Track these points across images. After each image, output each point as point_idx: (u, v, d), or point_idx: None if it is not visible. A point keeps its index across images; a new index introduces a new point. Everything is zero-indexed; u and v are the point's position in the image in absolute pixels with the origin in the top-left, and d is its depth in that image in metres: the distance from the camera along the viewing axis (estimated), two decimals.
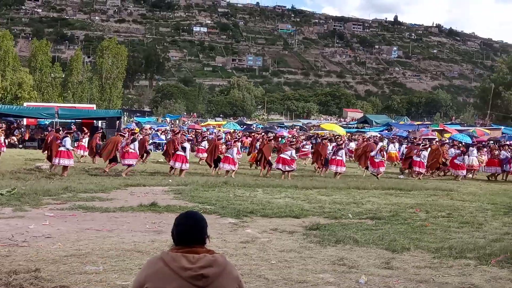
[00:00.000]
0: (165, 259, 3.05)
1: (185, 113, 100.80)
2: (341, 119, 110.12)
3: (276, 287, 6.25)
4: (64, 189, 13.98)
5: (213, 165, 21.38)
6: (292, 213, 11.56)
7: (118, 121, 35.22)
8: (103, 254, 7.48)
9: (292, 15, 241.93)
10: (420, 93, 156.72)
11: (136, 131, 26.79)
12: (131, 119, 72.53)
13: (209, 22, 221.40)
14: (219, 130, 45.54)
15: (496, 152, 24.11)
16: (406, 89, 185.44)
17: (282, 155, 20.61)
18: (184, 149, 19.81)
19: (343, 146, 23.64)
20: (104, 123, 35.51)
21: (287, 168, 20.45)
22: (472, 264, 7.53)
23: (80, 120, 35.21)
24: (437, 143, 26.80)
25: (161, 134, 38.33)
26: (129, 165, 19.25)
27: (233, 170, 20.34)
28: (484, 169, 24.78)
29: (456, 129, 45.63)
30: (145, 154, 25.06)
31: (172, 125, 61.85)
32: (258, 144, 27.34)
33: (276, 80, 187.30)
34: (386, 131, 49.74)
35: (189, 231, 3.14)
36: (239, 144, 23.95)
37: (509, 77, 78.82)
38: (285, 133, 43.30)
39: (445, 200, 15.16)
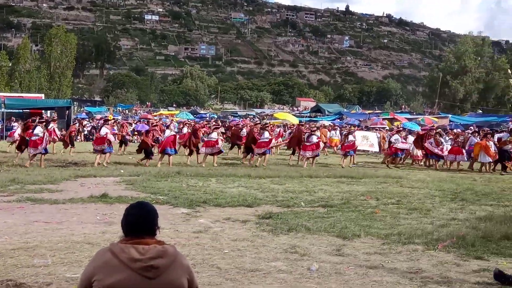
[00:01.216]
0: (114, 250, 3.02)
1: (137, 103, 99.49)
2: (294, 108, 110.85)
3: (228, 276, 6.26)
4: (11, 181, 13.62)
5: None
6: (245, 202, 11.59)
7: (67, 111, 34.50)
8: (52, 246, 7.32)
9: (245, 4, 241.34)
10: (371, 82, 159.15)
11: (109, 118, 26.55)
12: (81, 109, 71.17)
13: (160, 10, 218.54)
14: (171, 120, 45.12)
15: (461, 139, 23.31)
16: (358, 78, 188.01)
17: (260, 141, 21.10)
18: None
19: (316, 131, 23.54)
20: (54, 113, 34.76)
21: (264, 151, 20.93)
22: (420, 250, 7.72)
23: (28, 111, 34.32)
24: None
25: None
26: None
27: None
28: (448, 157, 23.46)
29: (405, 118, 46.64)
30: (123, 145, 25.11)
31: (124, 115, 60.95)
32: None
33: (229, 69, 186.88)
34: (338, 120, 50.37)
35: (139, 221, 3.11)
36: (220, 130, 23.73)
37: (456, 66, 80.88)
38: (239, 121, 43.26)
39: (395, 187, 15.48)
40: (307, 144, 21.64)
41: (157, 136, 21.09)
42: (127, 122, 30.12)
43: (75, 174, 15.89)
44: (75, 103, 59.84)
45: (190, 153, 21.77)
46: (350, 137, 22.72)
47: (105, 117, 27.92)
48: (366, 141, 28.95)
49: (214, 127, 22.93)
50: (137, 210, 3.16)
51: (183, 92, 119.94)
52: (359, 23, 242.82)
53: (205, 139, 21.78)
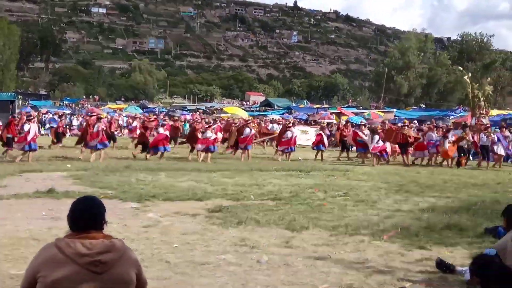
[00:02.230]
0: (60, 245, 2.99)
1: (84, 97, 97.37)
2: (244, 102, 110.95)
3: (178, 270, 6.26)
4: None
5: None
6: (195, 196, 11.58)
7: (11, 105, 33.56)
8: None
9: None
10: (319, 77, 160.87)
11: (102, 116, 26.12)
12: (26, 103, 69.00)
13: (108, 3, 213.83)
14: (120, 114, 44.53)
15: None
16: (306, 73, 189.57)
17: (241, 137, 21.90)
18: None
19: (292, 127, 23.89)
20: None
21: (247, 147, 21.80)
22: (366, 240, 7.92)
23: None
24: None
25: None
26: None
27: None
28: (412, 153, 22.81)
29: (352, 112, 47.50)
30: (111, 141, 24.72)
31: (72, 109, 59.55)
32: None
33: (178, 64, 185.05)
34: (287, 114, 50.77)
35: (86, 216, 3.09)
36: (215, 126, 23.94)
37: (400, 62, 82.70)
38: (188, 116, 43.04)
39: (342, 180, 15.76)
40: (283, 139, 22.46)
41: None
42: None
43: (20, 170, 15.51)
44: (19, 96, 57.90)
45: (138, 147, 21.64)
46: (288, 133, 22.60)
47: (97, 114, 27.21)
48: (305, 135, 29.30)
49: (208, 124, 22.73)
50: (84, 205, 3.15)
51: (132, 86, 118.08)
52: (307, 19, 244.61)
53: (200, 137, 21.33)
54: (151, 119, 25.54)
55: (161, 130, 21.18)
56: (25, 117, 20.15)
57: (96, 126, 19.46)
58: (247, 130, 22.00)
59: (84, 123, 21.86)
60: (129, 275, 3.07)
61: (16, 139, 18.87)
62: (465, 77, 24.52)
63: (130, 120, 33.48)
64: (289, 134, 22.37)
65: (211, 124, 23.63)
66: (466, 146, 21.22)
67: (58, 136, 24.90)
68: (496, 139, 21.19)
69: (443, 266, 6.36)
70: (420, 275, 6.30)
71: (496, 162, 21.37)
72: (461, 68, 45.61)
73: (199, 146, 20.67)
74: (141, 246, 7.22)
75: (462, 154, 21.19)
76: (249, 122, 24.63)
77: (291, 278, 6.08)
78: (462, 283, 5.95)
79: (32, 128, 18.50)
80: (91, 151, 19.35)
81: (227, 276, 6.10)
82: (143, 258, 6.54)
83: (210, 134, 20.84)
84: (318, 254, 7.13)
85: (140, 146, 21.52)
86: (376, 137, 20.80)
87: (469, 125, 23.39)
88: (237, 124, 25.15)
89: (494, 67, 76.57)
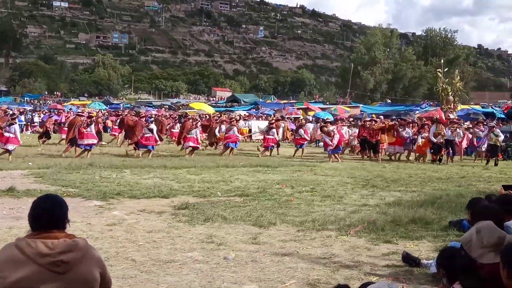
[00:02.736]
0: (20, 245, 2.91)
1: (46, 93, 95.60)
2: (210, 98, 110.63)
3: (144, 268, 6.16)
4: None
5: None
6: (161, 193, 11.44)
7: None
8: None
9: None
10: (286, 72, 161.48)
11: (93, 115, 25.99)
12: None
13: None
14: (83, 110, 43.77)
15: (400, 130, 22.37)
16: (273, 68, 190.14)
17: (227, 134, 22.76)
18: (151, 130, 20.68)
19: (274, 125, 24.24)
20: None
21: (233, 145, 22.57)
22: (333, 235, 7.93)
23: None
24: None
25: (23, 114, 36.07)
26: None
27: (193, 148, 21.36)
28: (387, 147, 22.62)
29: (319, 107, 47.78)
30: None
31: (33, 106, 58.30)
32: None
33: (143, 59, 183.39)
34: (254, 110, 50.80)
35: (47, 215, 3.02)
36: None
37: (366, 57, 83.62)
38: (153, 112, 42.61)
39: (309, 175, 15.82)
40: (268, 137, 23.13)
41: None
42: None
43: None
44: None
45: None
46: (234, 129, 22.84)
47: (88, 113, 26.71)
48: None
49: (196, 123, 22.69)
50: (45, 203, 3.07)
51: (95, 81, 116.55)
52: (273, 14, 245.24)
53: (187, 135, 21.63)
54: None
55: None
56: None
57: (92, 126, 20.19)
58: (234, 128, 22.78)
59: (70, 121, 21.79)
60: (93, 274, 3.02)
61: None
62: (438, 70, 24.53)
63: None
64: (274, 131, 23.07)
65: (232, 120, 24.73)
66: (441, 141, 20.83)
67: (47, 132, 25.05)
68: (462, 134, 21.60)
69: (409, 260, 6.41)
70: (387, 269, 6.33)
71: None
72: (432, 61, 46.08)
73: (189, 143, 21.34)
74: (106, 245, 7.09)
75: (436, 151, 21.01)
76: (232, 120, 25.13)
77: (258, 275, 6.04)
78: (428, 276, 6.00)
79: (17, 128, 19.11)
80: (76, 149, 19.89)
81: (193, 273, 6.02)
82: (108, 256, 6.42)
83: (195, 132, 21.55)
84: (286, 250, 7.10)
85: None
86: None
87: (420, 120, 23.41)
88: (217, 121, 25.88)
89: (458, 62, 77.94)
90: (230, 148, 22.36)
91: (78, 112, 25.03)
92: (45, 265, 2.87)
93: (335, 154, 20.87)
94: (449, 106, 23.88)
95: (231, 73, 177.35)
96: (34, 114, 40.49)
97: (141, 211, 9.57)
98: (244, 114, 37.84)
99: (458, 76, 28.59)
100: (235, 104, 63.64)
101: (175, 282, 5.74)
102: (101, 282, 3.07)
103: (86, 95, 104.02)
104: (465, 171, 17.98)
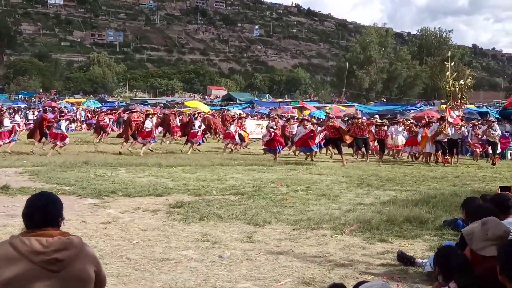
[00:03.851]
0: (14, 243, 2.89)
1: (40, 90, 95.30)
2: (206, 96, 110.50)
3: (138, 266, 6.15)
4: None
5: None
6: (156, 192, 11.41)
7: None
8: None
9: None
10: (281, 71, 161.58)
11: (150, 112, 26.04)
12: None
13: None
14: (78, 108, 43.70)
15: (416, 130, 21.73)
16: (268, 67, 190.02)
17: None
18: (199, 126, 22.50)
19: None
20: None
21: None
22: (328, 234, 7.93)
23: None
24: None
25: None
26: None
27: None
28: (405, 148, 22.19)
29: (314, 106, 47.82)
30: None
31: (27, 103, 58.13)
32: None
33: (138, 57, 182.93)
34: (249, 109, 50.79)
35: (41, 213, 3.00)
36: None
37: (362, 56, 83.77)
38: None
39: (304, 174, 15.82)
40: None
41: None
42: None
43: None
44: None
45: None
46: (196, 124, 22.94)
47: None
48: (260, 129, 29.24)
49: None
50: (39, 201, 3.06)
51: (90, 79, 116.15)
52: (268, 13, 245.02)
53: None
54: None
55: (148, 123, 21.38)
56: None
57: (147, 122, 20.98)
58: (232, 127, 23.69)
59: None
60: (88, 272, 3.01)
61: None
62: (447, 64, 23.66)
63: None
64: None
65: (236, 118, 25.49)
66: (445, 140, 20.06)
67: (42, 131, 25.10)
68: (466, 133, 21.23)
69: (404, 259, 6.42)
70: (382, 268, 6.34)
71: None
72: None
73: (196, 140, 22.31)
74: (100, 243, 7.08)
75: (440, 150, 20.37)
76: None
77: (253, 273, 6.04)
78: (423, 275, 6.01)
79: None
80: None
81: (188, 272, 6.01)
82: (103, 255, 6.41)
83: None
84: (281, 248, 7.10)
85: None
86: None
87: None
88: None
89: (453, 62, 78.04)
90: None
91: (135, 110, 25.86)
92: (39, 263, 2.85)
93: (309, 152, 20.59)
94: (455, 103, 23.00)
95: (226, 72, 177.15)
96: (28, 111, 40.34)
97: (136, 209, 9.55)
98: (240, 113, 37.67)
99: (468, 70, 28.24)
100: (231, 102, 63.58)
101: (169, 280, 5.73)
102: (96, 280, 3.06)
103: (81, 93, 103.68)
104: (460, 170, 18.01)
